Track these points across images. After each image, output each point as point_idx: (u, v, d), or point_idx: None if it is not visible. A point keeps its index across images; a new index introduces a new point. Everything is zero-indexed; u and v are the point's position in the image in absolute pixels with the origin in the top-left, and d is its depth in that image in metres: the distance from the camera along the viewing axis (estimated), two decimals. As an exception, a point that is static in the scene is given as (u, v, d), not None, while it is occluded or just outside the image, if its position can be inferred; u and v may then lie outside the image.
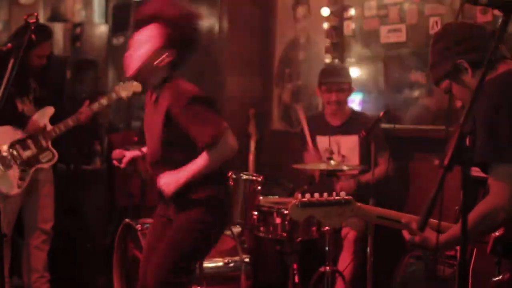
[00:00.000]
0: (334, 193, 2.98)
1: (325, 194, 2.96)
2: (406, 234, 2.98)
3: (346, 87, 5.71)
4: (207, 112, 3.99)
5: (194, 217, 4.04)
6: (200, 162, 3.95)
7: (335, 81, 5.71)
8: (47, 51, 5.77)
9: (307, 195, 2.95)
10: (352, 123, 5.65)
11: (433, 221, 2.85)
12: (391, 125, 5.66)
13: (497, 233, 2.87)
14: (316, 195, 2.95)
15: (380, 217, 3.04)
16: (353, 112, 5.81)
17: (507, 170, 2.72)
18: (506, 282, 2.86)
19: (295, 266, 5.12)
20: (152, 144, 4.18)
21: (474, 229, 2.72)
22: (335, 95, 5.67)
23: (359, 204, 3.00)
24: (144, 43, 4.08)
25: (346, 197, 2.96)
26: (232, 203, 4.84)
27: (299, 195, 2.97)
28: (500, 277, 2.88)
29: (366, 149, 5.27)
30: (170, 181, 4.00)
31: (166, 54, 4.04)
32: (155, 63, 4.03)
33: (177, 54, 4.07)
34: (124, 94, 5.81)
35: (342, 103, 5.70)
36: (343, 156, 5.55)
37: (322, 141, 5.74)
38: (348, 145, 5.61)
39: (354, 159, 5.57)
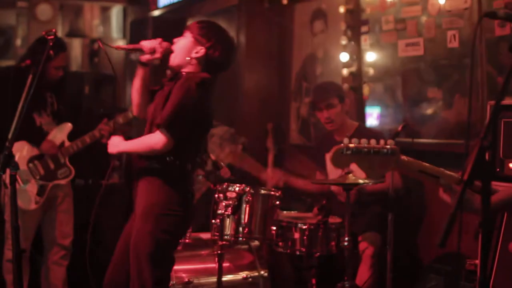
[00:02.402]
0: (382, 141, 2.88)
1: (372, 142, 2.86)
2: (441, 193, 2.93)
3: (335, 102, 5.67)
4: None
5: None
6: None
7: (321, 98, 5.72)
8: (64, 62, 5.80)
9: (354, 141, 2.84)
10: (358, 138, 5.56)
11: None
12: (409, 139, 5.64)
13: None
14: (363, 141, 2.85)
15: (421, 171, 2.97)
16: (359, 126, 5.77)
17: None
18: None
19: (313, 281, 5.10)
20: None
21: None
22: (326, 112, 5.67)
23: (403, 156, 2.90)
24: None
25: (393, 147, 2.85)
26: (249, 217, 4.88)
27: (346, 140, 2.85)
28: None
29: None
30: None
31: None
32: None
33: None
34: None
35: (335, 120, 5.67)
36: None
37: None
38: None
39: (360, 174, 5.51)
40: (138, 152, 4.28)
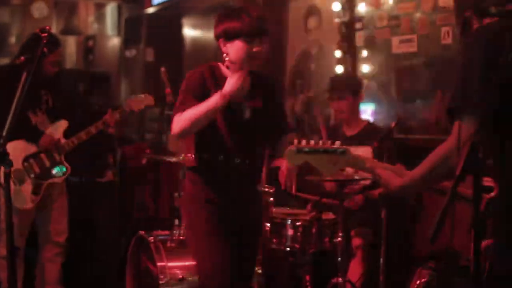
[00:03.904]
0: (330, 142, 3.04)
1: (321, 142, 3.03)
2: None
3: (347, 95, 5.66)
4: None
5: None
6: None
7: (334, 89, 5.72)
8: (59, 57, 5.80)
9: (304, 141, 3.01)
10: (366, 134, 5.61)
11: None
12: (403, 136, 5.65)
13: (492, 194, 2.84)
14: (312, 142, 3.02)
15: (368, 168, 3.09)
16: (369, 123, 5.77)
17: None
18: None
19: (307, 277, 5.11)
20: None
21: (431, 172, 2.80)
22: (336, 103, 5.68)
23: (353, 154, 3.06)
24: None
25: (343, 147, 3.03)
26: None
27: (296, 141, 3.03)
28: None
29: (379, 160, 5.25)
30: None
31: None
32: None
33: None
34: (136, 107, 5.85)
35: (345, 111, 5.66)
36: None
37: None
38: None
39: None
40: None
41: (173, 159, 5.71)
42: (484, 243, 2.79)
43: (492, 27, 2.69)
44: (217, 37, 4.08)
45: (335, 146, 3.03)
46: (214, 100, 3.89)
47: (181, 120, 3.96)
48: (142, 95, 5.95)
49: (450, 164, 2.68)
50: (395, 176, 2.99)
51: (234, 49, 4.01)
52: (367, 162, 3.09)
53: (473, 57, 2.65)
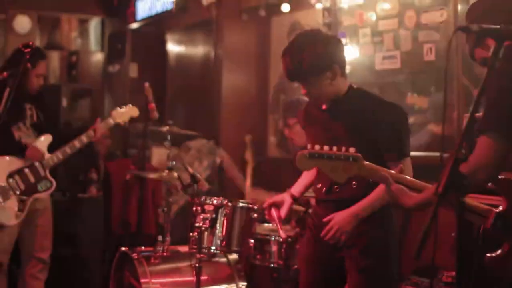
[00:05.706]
0: (343, 148, 2.98)
1: (335, 148, 2.96)
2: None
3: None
4: None
5: None
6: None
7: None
8: (44, 70, 5.75)
9: (317, 147, 2.96)
10: None
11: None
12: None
13: (500, 208, 2.83)
14: (326, 147, 2.96)
15: (382, 176, 3.02)
16: None
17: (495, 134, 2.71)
18: (502, 257, 2.81)
19: (291, 294, 5.10)
20: None
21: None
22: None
23: (366, 162, 3.00)
24: None
25: (355, 154, 2.97)
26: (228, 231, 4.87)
27: (309, 146, 2.97)
28: (498, 252, 2.83)
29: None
30: None
31: None
32: None
33: None
34: (121, 119, 5.81)
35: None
36: None
37: None
38: None
39: None
40: None
41: (156, 176, 5.71)
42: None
43: None
44: None
45: (348, 153, 2.96)
46: None
47: None
48: (127, 106, 5.89)
49: (478, 177, 2.70)
50: (407, 193, 2.93)
51: None
52: (380, 171, 3.02)
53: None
